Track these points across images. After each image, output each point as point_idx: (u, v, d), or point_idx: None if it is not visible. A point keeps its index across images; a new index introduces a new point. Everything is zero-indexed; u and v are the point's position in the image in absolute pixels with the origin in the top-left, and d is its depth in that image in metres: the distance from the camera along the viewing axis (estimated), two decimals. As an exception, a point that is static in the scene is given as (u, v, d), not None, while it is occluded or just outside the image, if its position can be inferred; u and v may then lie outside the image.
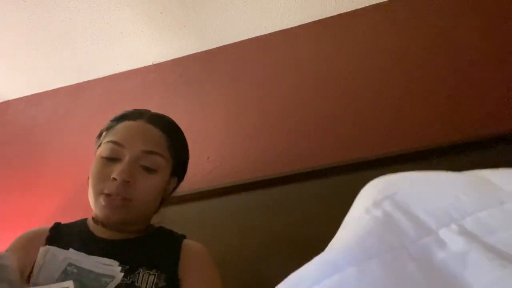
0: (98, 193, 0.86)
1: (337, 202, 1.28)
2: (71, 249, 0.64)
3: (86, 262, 0.62)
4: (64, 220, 0.97)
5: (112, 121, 0.97)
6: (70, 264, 0.61)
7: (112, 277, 0.62)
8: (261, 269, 1.25)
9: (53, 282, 0.59)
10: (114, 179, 0.85)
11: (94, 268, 0.62)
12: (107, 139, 0.91)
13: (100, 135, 0.97)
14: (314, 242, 1.23)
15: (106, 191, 0.85)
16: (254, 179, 1.36)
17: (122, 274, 0.64)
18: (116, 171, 0.85)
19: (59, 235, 0.90)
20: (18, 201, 1.66)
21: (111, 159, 0.88)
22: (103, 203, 0.85)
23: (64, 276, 0.60)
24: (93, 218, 0.93)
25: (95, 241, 0.87)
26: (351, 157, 1.32)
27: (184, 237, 0.97)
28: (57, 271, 0.61)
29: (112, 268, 0.63)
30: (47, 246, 0.64)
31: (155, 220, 0.99)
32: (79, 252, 0.64)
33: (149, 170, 0.89)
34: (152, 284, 0.81)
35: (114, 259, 0.68)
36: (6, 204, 1.68)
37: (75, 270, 0.61)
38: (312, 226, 1.26)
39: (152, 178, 0.89)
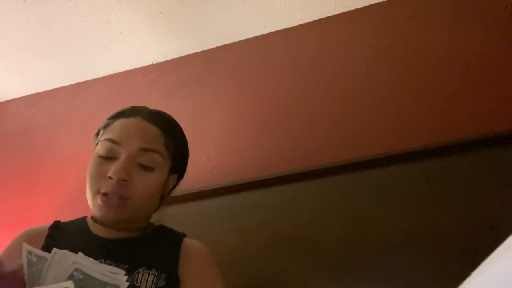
0: (95, 193, 0.85)
1: (337, 202, 1.29)
2: (80, 253, 0.63)
3: (93, 269, 0.61)
4: (63, 220, 0.97)
5: (109, 119, 0.96)
6: (77, 270, 0.61)
7: (117, 287, 0.62)
8: (261, 269, 1.25)
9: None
10: (110, 177, 0.84)
11: (100, 276, 0.61)
12: (104, 137, 0.90)
13: (97, 134, 0.97)
14: (314, 242, 1.24)
15: (102, 190, 0.84)
16: (254, 179, 1.36)
17: (128, 284, 0.63)
18: (112, 169, 0.84)
19: (59, 234, 0.90)
20: (18, 201, 1.66)
21: (108, 158, 0.87)
22: (100, 202, 0.84)
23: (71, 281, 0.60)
24: (92, 217, 0.92)
25: (95, 240, 0.87)
26: (351, 157, 1.32)
27: (184, 235, 0.96)
28: (63, 275, 0.60)
29: (117, 277, 0.62)
30: (55, 249, 0.63)
31: (155, 218, 0.99)
32: (87, 258, 0.63)
33: (146, 168, 0.88)
34: (152, 283, 0.81)
35: (114, 259, 0.68)
36: (5, 204, 1.67)
37: (81, 276, 0.60)
38: (312, 226, 1.26)
39: (149, 176, 0.88)
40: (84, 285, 0.60)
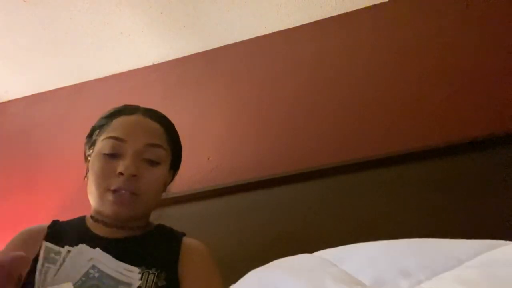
0: (104, 190, 0.86)
1: (337, 202, 1.29)
2: (97, 249, 0.63)
3: (109, 267, 0.61)
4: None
5: (104, 118, 0.96)
6: (93, 267, 0.60)
7: (129, 285, 0.61)
8: (261, 269, 1.24)
9: (73, 283, 0.58)
10: (121, 174, 0.85)
11: (115, 274, 0.61)
12: (105, 135, 0.90)
13: (91, 134, 0.97)
14: (314, 242, 1.24)
15: (113, 187, 0.85)
16: (254, 179, 1.36)
17: (140, 282, 0.63)
18: (122, 166, 0.85)
19: (57, 233, 0.90)
20: (18, 201, 1.66)
21: (112, 155, 0.88)
22: (111, 199, 0.84)
23: (85, 279, 0.60)
24: (92, 217, 0.92)
25: (94, 240, 0.86)
26: (351, 157, 1.32)
27: (183, 234, 0.96)
28: (80, 272, 0.60)
29: (132, 275, 0.62)
30: (68, 247, 0.62)
31: (153, 217, 0.99)
32: (105, 254, 0.63)
33: (152, 163, 0.89)
34: (152, 283, 0.81)
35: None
36: (6, 204, 1.67)
37: (96, 275, 0.60)
38: (312, 226, 1.26)
39: (156, 171, 0.90)
40: (99, 284, 0.60)
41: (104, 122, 0.95)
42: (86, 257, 0.61)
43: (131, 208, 0.86)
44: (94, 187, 0.87)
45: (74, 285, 0.58)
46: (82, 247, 0.62)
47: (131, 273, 0.62)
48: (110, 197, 0.85)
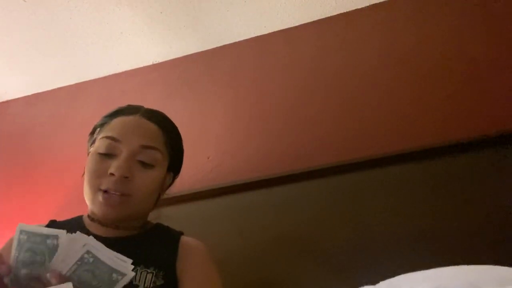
0: (95, 190, 0.85)
1: (338, 202, 1.29)
2: (91, 236, 0.63)
3: (103, 254, 0.62)
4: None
5: (105, 117, 0.96)
6: (88, 252, 0.61)
7: (124, 275, 0.62)
8: (261, 269, 1.25)
9: (69, 269, 0.59)
10: (112, 174, 0.84)
11: (109, 261, 0.61)
12: (103, 135, 0.90)
13: (93, 132, 0.96)
14: (315, 242, 1.24)
15: (103, 187, 0.84)
16: (254, 179, 1.36)
17: (134, 273, 0.63)
18: (114, 166, 0.84)
19: None
20: (18, 201, 1.66)
21: (107, 155, 0.87)
22: (101, 199, 0.84)
23: (80, 263, 0.60)
24: (88, 216, 0.92)
25: None
26: (352, 157, 1.32)
27: (181, 233, 0.96)
28: (75, 257, 0.60)
29: (125, 265, 0.62)
30: (63, 231, 0.63)
31: (152, 217, 0.99)
32: (98, 242, 0.63)
33: (146, 165, 0.88)
34: (150, 282, 0.81)
35: None
36: (6, 204, 1.67)
37: (91, 260, 0.60)
38: (313, 226, 1.26)
39: (150, 173, 0.89)
40: (93, 268, 0.60)
41: (105, 121, 0.95)
42: (80, 243, 0.61)
43: (120, 210, 0.85)
44: (87, 186, 0.87)
45: (69, 269, 0.59)
46: (76, 234, 0.63)
47: (124, 263, 0.63)
48: (100, 197, 0.84)
